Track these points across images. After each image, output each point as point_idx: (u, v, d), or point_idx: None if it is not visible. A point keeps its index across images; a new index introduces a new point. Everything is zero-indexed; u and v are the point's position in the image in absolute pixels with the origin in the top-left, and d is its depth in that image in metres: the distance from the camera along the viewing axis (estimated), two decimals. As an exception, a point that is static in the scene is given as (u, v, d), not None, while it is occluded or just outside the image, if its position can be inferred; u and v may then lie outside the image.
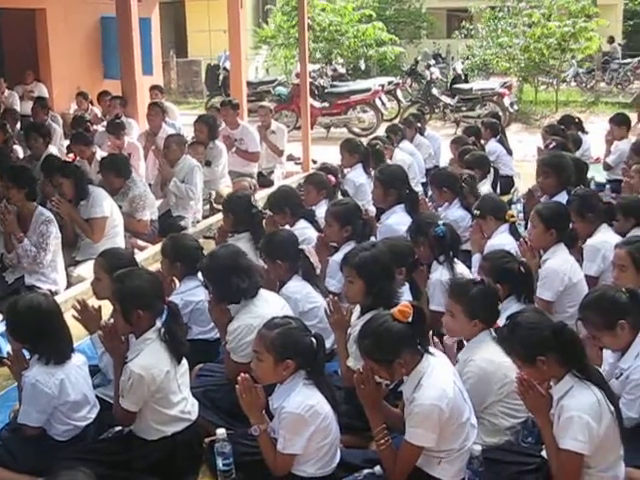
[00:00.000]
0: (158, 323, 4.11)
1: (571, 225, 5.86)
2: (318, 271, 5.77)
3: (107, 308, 4.37)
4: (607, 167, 10.16)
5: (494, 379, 4.03)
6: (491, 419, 4.09)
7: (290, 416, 3.65)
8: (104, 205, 7.17)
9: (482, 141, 10.04)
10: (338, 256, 5.44)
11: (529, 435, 4.09)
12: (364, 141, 9.34)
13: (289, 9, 22.12)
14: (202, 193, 8.96)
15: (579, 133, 10.29)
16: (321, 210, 6.46)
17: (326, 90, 16.78)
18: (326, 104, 16.34)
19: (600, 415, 3.47)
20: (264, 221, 6.30)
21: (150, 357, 4.00)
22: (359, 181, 7.98)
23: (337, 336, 4.63)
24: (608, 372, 4.20)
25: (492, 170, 8.52)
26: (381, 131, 11.92)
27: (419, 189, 8.54)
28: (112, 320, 4.26)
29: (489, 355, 4.04)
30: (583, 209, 5.96)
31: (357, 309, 4.64)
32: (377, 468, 3.85)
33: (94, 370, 4.69)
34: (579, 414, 3.44)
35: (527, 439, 4.09)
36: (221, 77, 20.16)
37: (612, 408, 3.54)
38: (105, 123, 10.65)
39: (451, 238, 5.45)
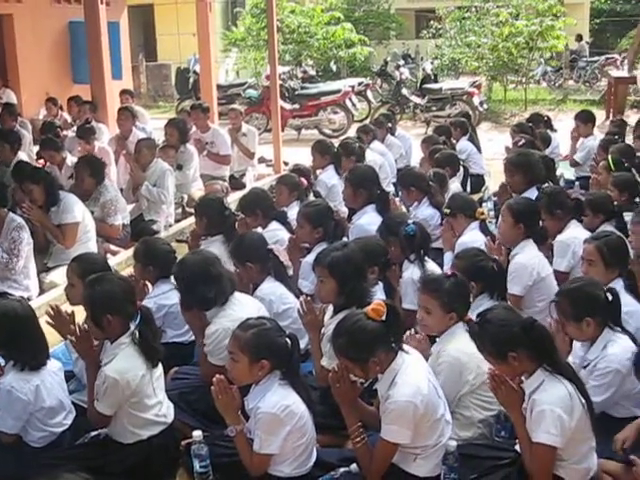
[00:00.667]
0: (132, 327, 4.11)
1: (541, 222, 5.94)
2: (290, 272, 5.81)
3: (81, 314, 4.36)
4: (575, 164, 10.25)
5: (467, 369, 4.09)
6: (464, 412, 4.14)
7: (266, 416, 3.67)
8: (75, 210, 7.14)
9: (452, 140, 10.12)
10: (311, 257, 5.46)
11: (502, 430, 4.13)
12: (335, 142, 9.37)
13: (258, 12, 22.13)
14: (174, 197, 8.94)
15: (548, 131, 10.38)
16: (293, 212, 6.47)
17: (296, 92, 16.80)
18: (297, 106, 16.38)
19: (572, 408, 3.52)
20: (237, 224, 6.31)
21: (124, 361, 4.00)
22: (331, 182, 8.00)
23: (311, 336, 4.66)
24: (578, 365, 4.25)
25: (462, 169, 8.58)
26: (352, 132, 11.96)
27: (390, 189, 8.59)
28: (86, 325, 4.26)
29: (462, 346, 4.09)
30: (552, 206, 6.02)
31: (330, 309, 4.67)
32: (353, 466, 3.88)
33: (69, 376, 4.68)
34: (551, 407, 3.49)
35: (500, 434, 4.13)
36: (191, 80, 20.09)
37: (583, 401, 3.59)
38: (75, 128, 10.59)
39: (421, 237, 5.51)
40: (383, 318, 3.64)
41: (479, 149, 10.35)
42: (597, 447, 3.75)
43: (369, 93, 17.83)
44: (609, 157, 7.55)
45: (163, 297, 5.24)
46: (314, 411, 3.88)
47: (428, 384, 3.68)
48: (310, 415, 3.83)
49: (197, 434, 3.93)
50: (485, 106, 17.46)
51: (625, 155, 7.88)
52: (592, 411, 3.66)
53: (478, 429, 4.16)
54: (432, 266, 5.47)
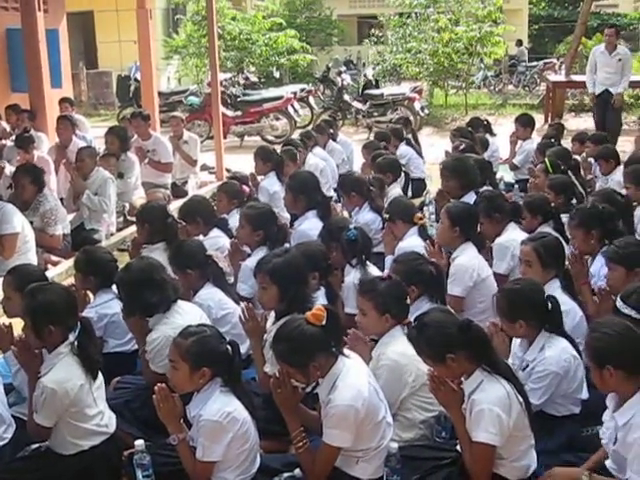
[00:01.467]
0: (71, 337, 4.07)
1: (479, 226, 6.03)
2: (231, 279, 5.81)
3: (19, 326, 4.30)
4: (514, 167, 10.40)
5: (407, 371, 4.13)
6: (406, 414, 4.18)
7: (208, 424, 3.65)
8: (14, 221, 7.04)
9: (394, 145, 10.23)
10: (250, 261, 5.50)
11: (443, 430, 4.18)
12: (278, 149, 9.39)
13: (199, 18, 22.03)
14: (115, 205, 8.87)
15: (487, 135, 10.51)
16: (234, 219, 6.47)
17: (239, 99, 16.76)
18: (239, 113, 16.34)
19: (510, 407, 3.58)
20: (179, 231, 6.29)
21: (63, 371, 3.95)
22: (273, 189, 8.01)
23: (253, 342, 4.66)
24: (518, 365, 4.32)
25: (403, 174, 8.65)
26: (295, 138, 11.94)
27: (332, 194, 8.63)
28: (24, 335, 4.21)
29: (401, 348, 4.13)
30: (490, 209, 6.10)
31: (272, 315, 4.68)
32: (297, 471, 3.90)
33: (8, 389, 4.59)
34: (490, 407, 3.54)
35: (441, 434, 4.18)
36: (132, 88, 19.93)
37: (521, 400, 3.65)
38: (14, 137, 10.44)
39: (363, 241, 5.55)
40: (323, 323, 3.66)
41: (420, 154, 10.44)
42: (536, 445, 3.82)
43: (311, 99, 17.87)
44: (546, 160, 7.68)
45: (104, 307, 5.19)
46: (257, 417, 3.88)
47: (369, 387, 3.70)
48: (253, 421, 3.82)
49: (139, 443, 3.89)
50: (426, 111, 17.63)
51: (562, 158, 8.03)
52: (530, 410, 3.72)
53: (419, 430, 4.20)
54: (374, 270, 5.50)
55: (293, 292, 4.50)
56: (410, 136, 10.89)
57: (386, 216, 6.23)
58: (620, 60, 12.23)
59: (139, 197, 9.61)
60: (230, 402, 3.72)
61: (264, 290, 4.60)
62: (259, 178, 8.35)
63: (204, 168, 12.37)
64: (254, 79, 21.14)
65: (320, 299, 4.83)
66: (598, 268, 5.43)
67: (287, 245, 5.87)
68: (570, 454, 4.07)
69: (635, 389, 3.48)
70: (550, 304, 4.22)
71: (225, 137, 14.26)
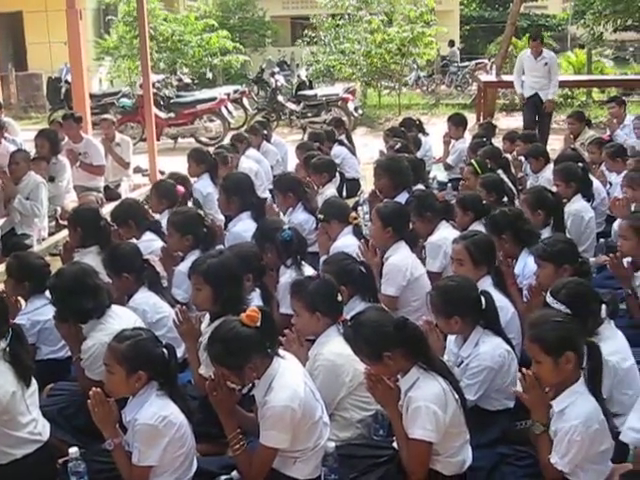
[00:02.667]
0: (2, 344, 3.99)
1: (411, 225, 6.09)
2: (165, 282, 5.77)
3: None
4: (448, 167, 10.52)
5: (344, 371, 4.15)
6: (343, 413, 4.20)
7: (144, 428, 3.62)
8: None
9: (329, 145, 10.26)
10: (184, 265, 5.46)
11: (380, 428, 4.21)
12: (211, 150, 9.34)
13: (131, 19, 21.77)
14: (47, 210, 8.73)
15: (420, 135, 10.61)
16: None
17: (172, 100, 16.63)
18: (172, 114, 16.21)
19: (446, 404, 3.63)
20: (111, 235, 6.21)
21: (-6, 379, 3.88)
22: (206, 190, 7.95)
23: (187, 345, 4.63)
24: (453, 362, 4.37)
25: (338, 174, 8.68)
26: (229, 140, 11.90)
27: (267, 195, 8.62)
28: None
29: (337, 348, 4.15)
30: (421, 208, 6.17)
31: (207, 317, 4.66)
32: (234, 473, 3.89)
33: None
34: (426, 404, 3.58)
35: (378, 432, 4.22)
36: (63, 90, 19.64)
37: (457, 396, 3.71)
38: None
39: (298, 242, 5.57)
40: (258, 324, 3.66)
41: (354, 154, 10.49)
42: (471, 440, 3.87)
43: (245, 100, 17.82)
44: (473, 162, 7.78)
45: (37, 313, 5.09)
46: (193, 420, 3.86)
47: (305, 388, 3.72)
48: (189, 425, 3.80)
49: (73, 451, 3.85)
50: (360, 111, 17.71)
51: (492, 157, 8.15)
52: (465, 406, 3.78)
53: (357, 429, 4.23)
54: (309, 271, 5.49)
55: (227, 293, 4.49)
56: (344, 136, 10.93)
57: (320, 217, 6.24)
58: (546, 64, 12.43)
59: (71, 201, 9.46)
60: (166, 406, 3.70)
61: (198, 291, 4.58)
62: (192, 180, 8.30)
63: (137, 170, 12.24)
64: (187, 80, 21.02)
65: (255, 300, 4.83)
66: (522, 268, 5.54)
67: (221, 247, 5.86)
68: (505, 447, 4.12)
69: (578, 375, 3.61)
70: (484, 299, 4.28)
71: (158, 139, 14.14)
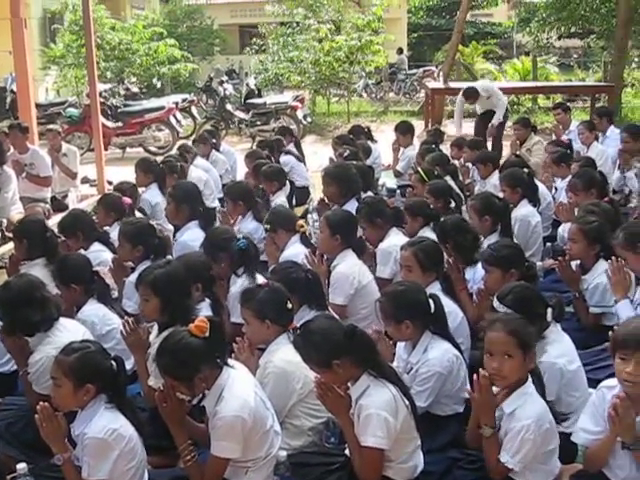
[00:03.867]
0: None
1: (361, 232, 6.12)
2: (116, 293, 5.72)
3: None
4: (397, 174, 10.61)
5: (294, 378, 4.15)
6: (294, 421, 4.20)
7: (93, 441, 3.57)
8: None
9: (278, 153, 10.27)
10: (134, 277, 5.39)
11: (332, 436, 4.21)
12: (160, 160, 9.29)
13: (77, 28, 21.55)
14: (-8, 221, 8.61)
15: (369, 142, 10.66)
16: (116, 233, 6.36)
17: (119, 110, 16.47)
18: (120, 124, 16.05)
19: (396, 410, 3.64)
20: (59, 246, 6.14)
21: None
22: (154, 200, 7.90)
23: (136, 357, 4.59)
24: (402, 368, 4.40)
25: (287, 182, 8.69)
26: (177, 149, 11.82)
27: (216, 204, 8.59)
28: None
29: (288, 356, 4.14)
30: (371, 215, 6.19)
31: (155, 327, 4.63)
32: (186, 485, 3.86)
33: None
34: (377, 411, 3.59)
35: (330, 440, 4.22)
36: (8, 100, 19.31)
37: (407, 402, 3.72)
38: None
39: (252, 250, 5.59)
40: (206, 334, 3.64)
41: (303, 162, 10.50)
42: (422, 445, 3.90)
43: (194, 109, 17.74)
44: (419, 170, 7.83)
45: (-17, 327, 5.02)
46: (143, 433, 3.83)
47: (255, 397, 3.71)
48: (139, 437, 3.76)
49: (21, 467, 3.79)
50: (309, 119, 17.73)
51: (439, 163, 8.23)
52: (416, 412, 3.80)
53: (308, 437, 4.23)
54: (261, 280, 5.49)
55: (175, 304, 4.47)
56: (292, 145, 10.95)
57: (267, 226, 6.24)
58: (489, 98, 12.44)
59: (17, 212, 9.31)
60: (115, 419, 3.65)
61: (146, 302, 4.55)
62: (140, 190, 8.23)
63: (85, 181, 12.09)
64: (135, 89, 20.85)
65: (204, 310, 4.80)
66: (472, 274, 5.59)
67: (169, 257, 5.82)
68: (456, 451, 4.15)
69: (527, 377, 3.69)
70: (433, 302, 4.31)
71: (106, 149, 14.01)
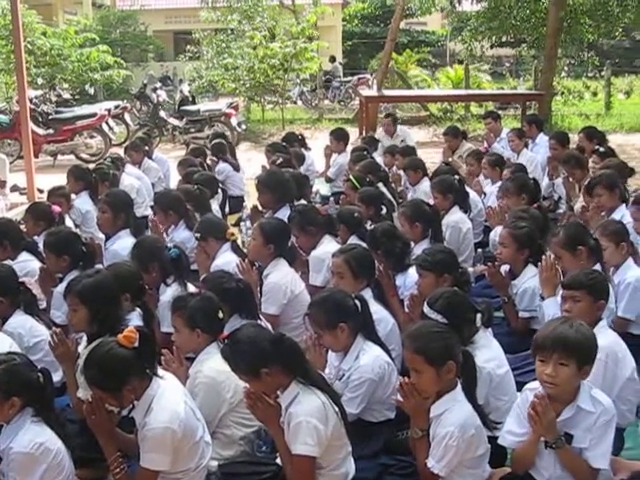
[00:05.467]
0: None
1: (294, 240, 6.12)
2: (43, 303, 5.62)
3: None
4: (329, 180, 10.66)
5: (225, 387, 4.14)
6: (225, 431, 4.18)
7: (19, 456, 3.51)
8: None
9: (212, 158, 10.22)
10: (62, 287, 5.30)
11: (263, 445, 4.22)
12: (92, 167, 9.17)
13: (7, 33, 21.17)
14: None
15: (302, 149, 10.68)
16: (45, 242, 6.26)
17: (50, 116, 16.18)
18: (51, 131, 15.78)
19: (326, 417, 3.64)
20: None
21: None
22: (85, 208, 7.79)
23: (65, 368, 4.52)
24: (334, 375, 4.41)
25: (221, 190, 8.65)
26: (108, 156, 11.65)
27: (148, 213, 8.51)
28: None
29: (218, 365, 4.11)
30: (303, 223, 6.21)
31: (84, 338, 4.56)
32: (115, 497, 3.81)
33: None
34: (307, 419, 3.59)
35: (261, 449, 4.22)
36: None
37: (337, 409, 3.72)
38: None
39: (184, 259, 5.56)
40: (135, 345, 3.60)
41: (238, 169, 10.46)
42: (354, 451, 3.92)
43: (127, 116, 17.50)
44: (351, 177, 7.87)
45: None
46: (72, 446, 3.77)
47: (185, 407, 3.68)
48: (67, 450, 3.71)
49: None
50: (243, 126, 17.68)
51: (371, 170, 8.28)
52: (346, 418, 3.81)
53: (240, 447, 4.21)
54: (192, 289, 5.46)
55: (104, 314, 4.42)
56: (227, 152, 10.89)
57: (197, 235, 6.20)
58: (403, 141, 12.46)
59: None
60: (42, 432, 3.60)
61: (74, 312, 4.49)
62: (72, 197, 8.11)
63: (14, 189, 11.86)
64: (67, 96, 20.51)
65: (135, 320, 4.75)
66: (403, 280, 5.63)
67: (99, 266, 5.75)
68: (387, 457, 4.20)
69: (456, 382, 3.71)
70: (359, 303, 4.35)
71: (37, 156, 13.79)
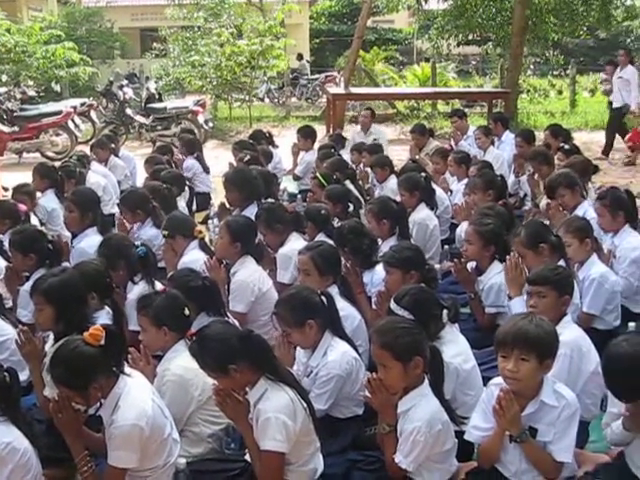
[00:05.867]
0: None
1: (262, 237, 6.13)
2: (10, 302, 5.58)
3: None
4: (296, 178, 10.67)
5: (193, 385, 4.14)
6: (193, 428, 4.18)
7: (-16, 456, 3.48)
8: None
9: (181, 157, 10.18)
10: (29, 285, 5.28)
11: (232, 442, 4.23)
12: (58, 165, 9.10)
13: (-30, 30, 21.00)
14: None
15: (270, 147, 10.68)
16: (11, 240, 6.21)
17: (15, 114, 16.01)
18: (16, 128, 15.57)
19: (295, 413, 3.66)
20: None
21: None
22: (51, 206, 7.73)
23: (32, 367, 4.49)
24: (302, 372, 4.43)
25: (188, 188, 8.62)
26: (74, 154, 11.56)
27: (115, 211, 8.46)
28: None
29: (186, 363, 4.12)
30: (270, 220, 6.22)
31: (51, 337, 4.54)
32: (83, 496, 3.79)
33: None
34: (275, 415, 3.61)
35: (230, 446, 4.23)
36: None
37: (305, 405, 3.75)
38: None
39: (152, 257, 5.56)
40: (102, 343, 3.59)
41: (205, 167, 10.43)
42: (322, 447, 3.95)
43: (93, 114, 17.38)
44: (318, 175, 7.89)
45: None
46: (39, 445, 3.75)
47: (152, 405, 3.67)
48: (34, 450, 3.69)
49: None
50: (211, 124, 17.61)
51: (338, 168, 8.30)
52: (314, 414, 3.84)
53: (208, 444, 4.22)
54: (160, 287, 5.45)
55: (70, 312, 4.40)
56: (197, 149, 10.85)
57: (164, 232, 6.18)
58: (375, 140, 12.46)
59: None
60: (8, 432, 3.57)
61: (40, 311, 4.48)
62: (37, 195, 8.05)
63: (-21, 187, 11.77)
64: (32, 93, 20.33)
65: (103, 318, 4.74)
66: (370, 277, 5.65)
67: (66, 264, 5.72)
68: (355, 453, 4.21)
69: (423, 378, 3.74)
70: (325, 298, 4.37)
71: (2, 154, 13.68)
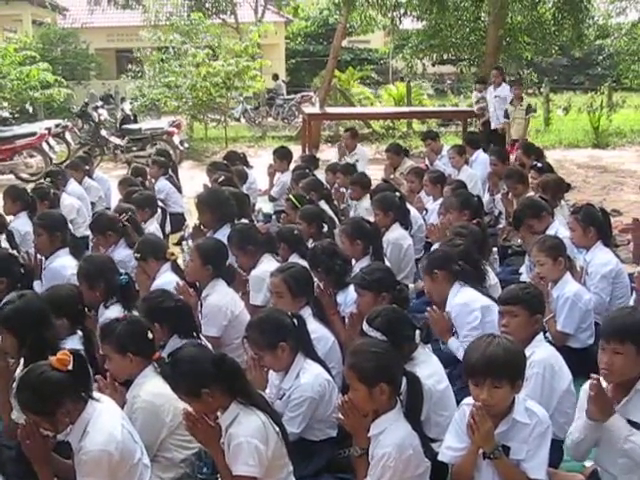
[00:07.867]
0: None
1: (235, 259, 6.10)
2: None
3: None
4: (272, 199, 10.65)
5: (164, 411, 4.08)
6: (165, 454, 4.12)
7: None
8: None
9: (152, 180, 10.14)
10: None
11: (204, 466, 4.17)
12: (31, 187, 9.03)
13: (-56, 51, 20.89)
14: None
15: (244, 167, 10.66)
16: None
17: (-13, 136, 15.96)
18: (-11, 150, 15.55)
19: (267, 437, 3.64)
20: None
21: None
22: (24, 229, 7.64)
23: (-1, 391, 4.44)
24: (275, 394, 4.40)
25: (160, 209, 8.58)
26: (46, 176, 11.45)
27: (89, 232, 8.39)
28: None
29: (156, 388, 4.08)
30: (243, 242, 6.21)
31: (22, 361, 4.48)
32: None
33: None
34: (247, 439, 3.58)
35: (202, 470, 4.17)
36: None
37: (277, 429, 3.72)
38: None
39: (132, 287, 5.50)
40: (69, 367, 3.55)
41: (179, 188, 10.40)
42: (296, 470, 3.92)
43: (68, 135, 17.29)
44: (291, 197, 7.87)
45: None
46: (7, 472, 3.70)
47: (122, 430, 3.63)
48: (2, 477, 3.64)
49: None
50: (186, 145, 17.59)
51: (313, 188, 8.31)
52: (287, 437, 3.81)
53: (180, 469, 4.16)
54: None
55: (32, 339, 4.32)
56: (170, 170, 10.81)
57: (136, 255, 6.13)
58: (357, 160, 12.41)
59: None
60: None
61: (3, 339, 4.45)
62: (9, 218, 7.97)
63: (-49, 210, 11.64)
64: (6, 114, 20.25)
65: (74, 343, 4.68)
66: (344, 297, 5.63)
67: (37, 286, 5.66)
68: (329, 476, 4.21)
69: (393, 404, 3.70)
70: (296, 320, 4.36)
71: (-25, 176, 13.56)
